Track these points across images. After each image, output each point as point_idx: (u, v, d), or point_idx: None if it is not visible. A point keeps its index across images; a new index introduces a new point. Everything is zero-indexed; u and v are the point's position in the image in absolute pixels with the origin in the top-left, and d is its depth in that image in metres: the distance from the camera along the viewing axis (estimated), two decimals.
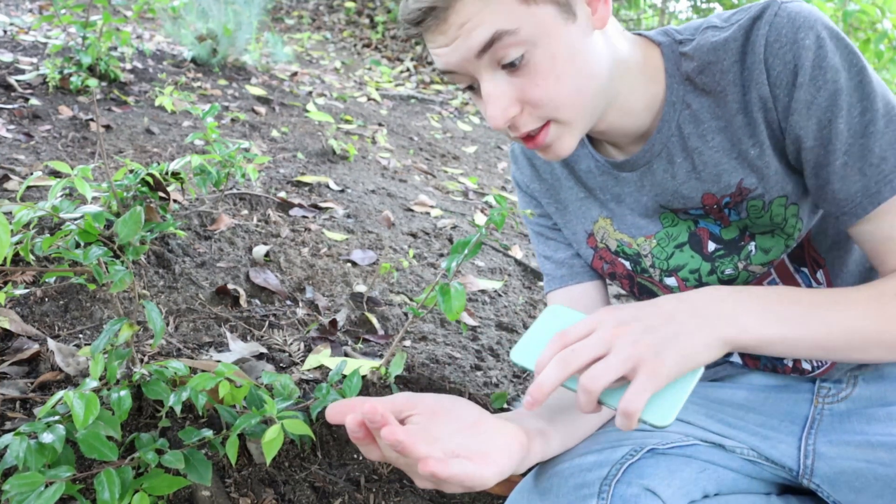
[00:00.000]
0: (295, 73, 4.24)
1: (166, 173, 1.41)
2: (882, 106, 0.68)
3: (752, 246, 0.80)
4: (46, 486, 0.77)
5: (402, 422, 0.68)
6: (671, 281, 0.87)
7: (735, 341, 0.64)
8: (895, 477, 0.74)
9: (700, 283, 0.84)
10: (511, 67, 0.67)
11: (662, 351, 0.61)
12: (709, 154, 0.76)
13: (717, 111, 0.75)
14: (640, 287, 0.92)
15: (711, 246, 0.82)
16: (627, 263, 0.90)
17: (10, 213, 1.38)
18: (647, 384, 0.59)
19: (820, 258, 0.82)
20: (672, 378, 0.61)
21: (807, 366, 0.86)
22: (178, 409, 0.95)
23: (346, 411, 0.63)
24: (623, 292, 2.13)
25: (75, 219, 1.04)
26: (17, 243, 1.01)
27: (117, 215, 1.27)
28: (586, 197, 0.91)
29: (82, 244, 1.03)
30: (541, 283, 2.06)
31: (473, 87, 0.72)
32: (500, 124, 0.68)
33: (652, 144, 0.79)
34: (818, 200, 0.74)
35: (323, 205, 2.16)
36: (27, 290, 1.30)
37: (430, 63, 5.78)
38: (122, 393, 0.91)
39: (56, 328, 1.25)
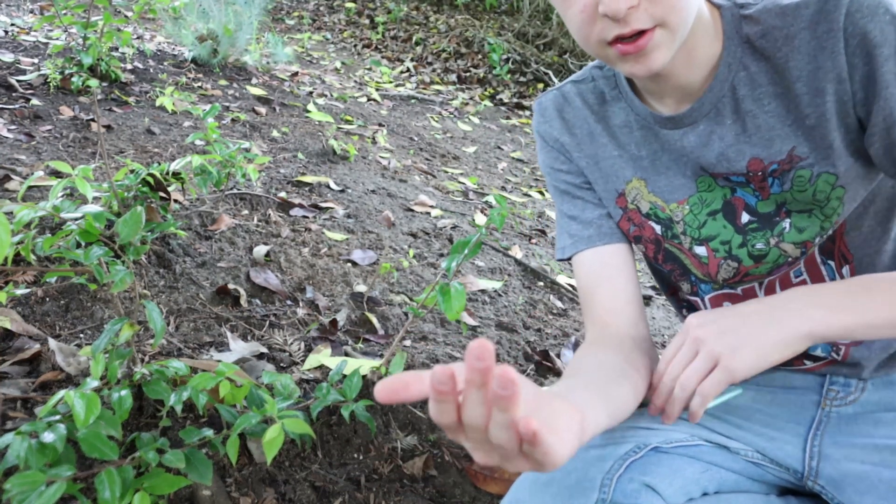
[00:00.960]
0: (295, 74, 4.24)
1: (167, 173, 1.41)
2: None
3: (786, 223, 0.79)
4: (47, 486, 0.77)
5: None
6: (701, 250, 0.86)
7: (812, 333, 0.70)
8: None
9: (729, 256, 0.84)
10: None
11: (739, 349, 0.69)
12: (763, 118, 0.76)
13: (776, 77, 0.75)
14: (665, 254, 0.90)
15: (745, 217, 0.81)
16: (658, 227, 0.88)
17: (11, 212, 1.38)
18: (722, 377, 0.69)
19: (849, 254, 0.81)
20: (746, 374, 0.69)
21: (822, 353, 0.86)
22: (178, 408, 0.95)
23: (400, 387, 0.48)
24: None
25: (76, 219, 1.04)
26: (18, 243, 1.01)
27: (118, 215, 1.27)
28: (619, 155, 0.89)
29: (83, 244, 1.03)
30: (541, 283, 2.06)
31: None
32: (622, 7, 0.68)
33: (702, 103, 0.78)
34: None
35: (323, 205, 2.16)
36: (28, 290, 1.30)
37: (430, 63, 5.78)
38: (123, 392, 0.92)
39: (57, 328, 1.25)
